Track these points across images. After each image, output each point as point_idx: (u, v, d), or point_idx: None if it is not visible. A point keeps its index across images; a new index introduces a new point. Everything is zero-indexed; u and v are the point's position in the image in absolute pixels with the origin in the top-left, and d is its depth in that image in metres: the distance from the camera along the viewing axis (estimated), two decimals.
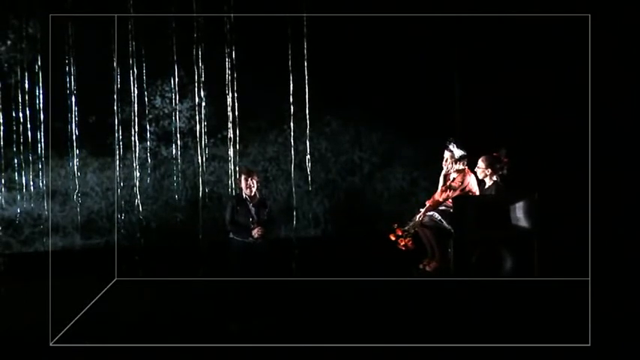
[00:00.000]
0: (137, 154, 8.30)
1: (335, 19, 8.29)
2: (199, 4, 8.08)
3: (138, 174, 8.30)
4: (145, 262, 7.63)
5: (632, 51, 8.03)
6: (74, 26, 7.95)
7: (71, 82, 8.05)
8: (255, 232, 6.50)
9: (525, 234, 6.04)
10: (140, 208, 8.24)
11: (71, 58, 8.01)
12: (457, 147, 6.80)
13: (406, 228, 6.74)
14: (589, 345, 4.68)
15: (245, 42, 8.30)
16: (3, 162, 8.06)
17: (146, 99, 8.38)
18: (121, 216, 8.24)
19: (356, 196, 9.05)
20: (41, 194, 8.14)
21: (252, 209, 6.62)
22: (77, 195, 8.22)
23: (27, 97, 8.03)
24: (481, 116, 8.43)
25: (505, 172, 6.64)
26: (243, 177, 6.72)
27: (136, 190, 8.26)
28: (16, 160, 8.09)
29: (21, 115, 8.04)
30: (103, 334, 5.15)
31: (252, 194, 6.65)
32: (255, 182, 6.66)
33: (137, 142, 8.29)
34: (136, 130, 8.25)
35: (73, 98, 8.07)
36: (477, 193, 6.75)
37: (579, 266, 6.28)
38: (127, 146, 8.29)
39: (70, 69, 8.02)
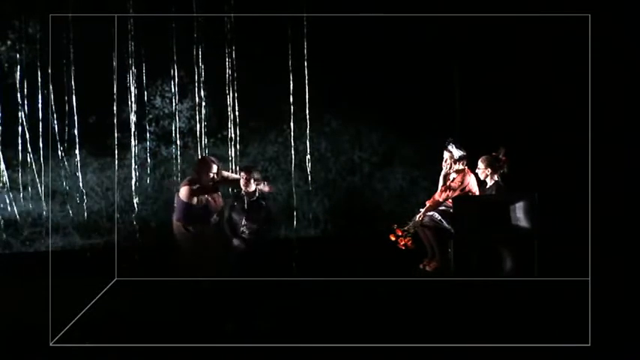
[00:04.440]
0: (137, 154, 8.30)
1: (335, 19, 8.29)
2: (199, 4, 8.08)
3: (137, 174, 8.30)
4: (145, 262, 7.62)
5: (632, 51, 8.03)
6: (74, 26, 7.96)
7: (71, 82, 8.05)
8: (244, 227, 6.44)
9: (525, 234, 6.05)
10: (140, 208, 8.23)
11: (71, 58, 8.01)
12: (456, 147, 6.80)
13: (406, 228, 6.75)
14: (589, 345, 4.68)
15: (245, 42, 8.29)
16: (3, 162, 8.05)
17: (146, 99, 8.38)
18: (121, 216, 8.24)
19: (356, 196, 9.05)
20: (41, 194, 8.14)
21: (246, 207, 6.57)
22: (78, 195, 8.22)
23: (27, 97, 8.03)
24: (481, 116, 8.43)
25: (505, 170, 6.64)
26: (242, 173, 6.68)
27: (136, 190, 8.26)
28: (16, 161, 8.10)
29: (21, 115, 8.04)
30: (103, 334, 5.15)
31: (248, 190, 6.59)
32: (251, 178, 6.58)
33: (137, 142, 8.29)
34: (136, 130, 8.25)
35: (73, 98, 8.08)
36: (477, 193, 6.75)
37: (579, 266, 6.27)
38: (127, 146, 8.29)
39: (70, 69, 8.03)
